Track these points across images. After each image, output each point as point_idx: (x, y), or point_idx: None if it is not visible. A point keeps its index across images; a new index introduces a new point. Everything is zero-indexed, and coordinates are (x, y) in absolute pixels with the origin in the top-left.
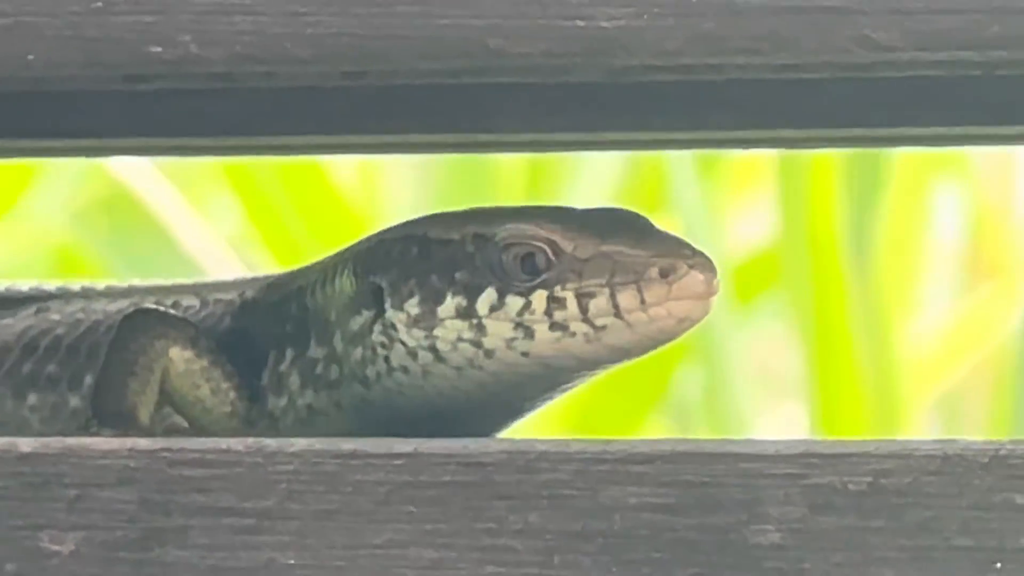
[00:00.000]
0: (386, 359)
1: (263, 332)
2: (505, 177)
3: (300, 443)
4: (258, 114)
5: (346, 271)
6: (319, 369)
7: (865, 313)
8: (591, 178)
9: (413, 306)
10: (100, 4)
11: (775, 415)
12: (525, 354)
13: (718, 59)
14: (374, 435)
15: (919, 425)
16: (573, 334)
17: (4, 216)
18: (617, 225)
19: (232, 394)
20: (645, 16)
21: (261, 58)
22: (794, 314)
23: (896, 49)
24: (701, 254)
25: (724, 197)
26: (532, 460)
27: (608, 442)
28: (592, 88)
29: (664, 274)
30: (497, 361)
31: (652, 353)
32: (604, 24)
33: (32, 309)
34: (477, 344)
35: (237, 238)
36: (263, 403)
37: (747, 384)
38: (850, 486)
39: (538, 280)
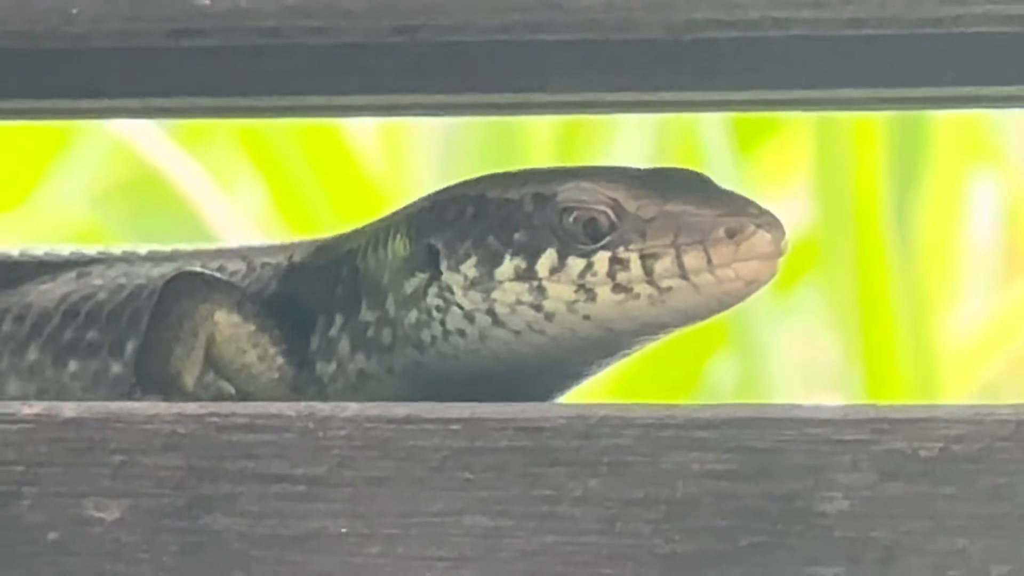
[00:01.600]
0: (442, 322)
1: (312, 296)
2: (533, 144)
3: (353, 407)
4: (306, 73)
5: (399, 233)
6: (371, 333)
7: (907, 301)
8: (621, 156)
9: (470, 268)
10: None
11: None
12: (587, 317)
13: (784, 12)
14: (426, 400)
15: None
16: (637, 296)
17: (26, 198)
18: (681, 184)
19: (279, 359)
20: None
21: (312, 11)
22: (833, 301)
23: (967, 2)
24: (768, 213)
25: (762, 181)
26: (592, 425)
27: (671, 407)
28: (652, 45)
29: (731, 234)
30: (557, 324)
31: (695, 331)
32: None
33: (73, 273)
34: (537, 307)
35: (262, 215)
36: (311, 369)
37: (784, 374)
38: (921, 452)
39: (601, 241)
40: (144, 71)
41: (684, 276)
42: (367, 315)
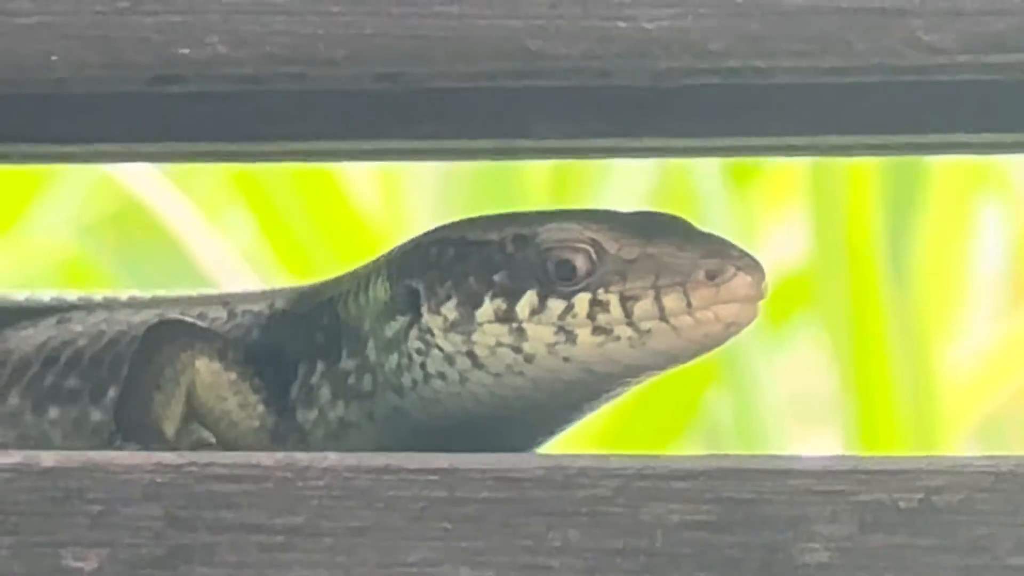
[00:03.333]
0: (422, 365)
1: (293, 344)
2: (528, 188)
3: (332, 458)
4: (287, 119)
5: (380, 277)
6: (351, 380)
7: (903, 335)
8: (617, 193)
9: (450, 310)
10: (126, 3)
11: (808, 441)
12: (567, 359)
13: (765, 62)
14: (407, 449)
15: (959, 452)
16: (617, 338)
17: (8, 229)
18: (661, 227)
19: (260, 408)
20: (689, 17)
21: (292, 59)
22: (828, 336)
23: (948, 52)
24: (748, 256)
25: (755, 215)
26: (572, 476)
27: (650, 458)
28: (634, 92)
29: (711, 276)
30: (538, 367)
31: (690, 367)
32: (647, 25)
33: (53, 320)
34: (517, 349)
35: (251, 251)
36: (292, 417)
37: (779, 409)
38: (900, 503)
39: (581, 283)
40: (125, 116)
41: (664, 318)
42: (347, 363)
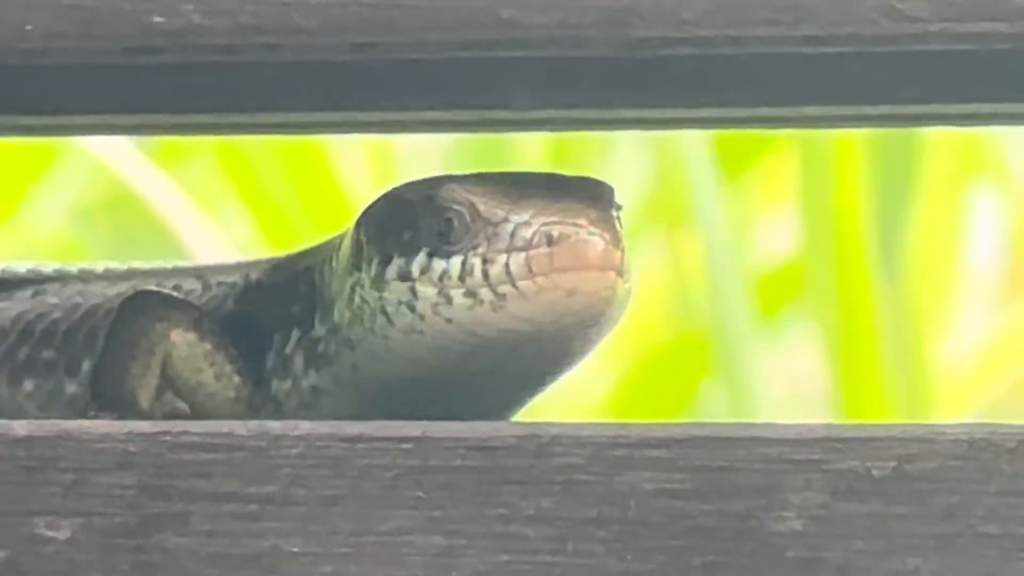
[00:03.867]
0: (361, 320)
1: (269, 315)
2: (524, 162)
3: (305, 426)
4: (261, 90)
5: (348, 235)
6: (320, 347)
7: (896, 327)
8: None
9: (372, 266)
10: None
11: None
12: (449, 320)
13: (738, 30)
14: (378, 419)
15: None
16: (481, 301)
17: (6, 218)
18: (542, 189)
19: (236, 378)
20: None
21: (266, 29)
22: (820, 328)
23: (922, 20)
24: (602, 224)
25: (748, 206)
26: (545, 444)
27: (623, 426)
28: (607, 62)
29: (549, 241)
30: (429, 326)
31: (681, 358)
32: None
33: (29, 292)
34: (411, 308)
35: (242, 237)
36: (267, 388)
37: (772, 401)
38: (873, 471)
39: (456, 245)
40: (99, 87)
41: (513, 283)
42: (319, 329)
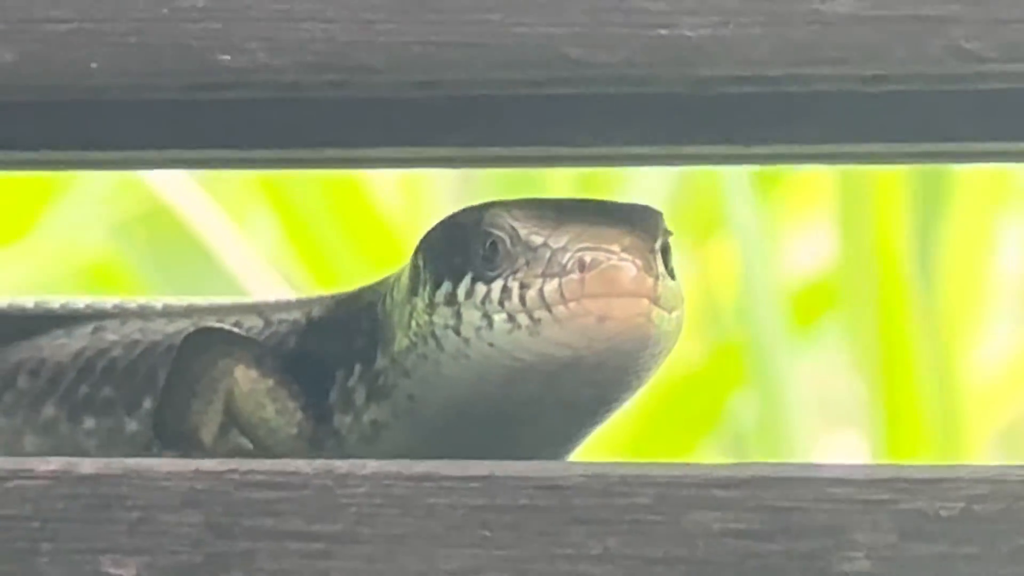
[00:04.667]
0: (415, 345)
1: (331, 350)
2: (552, 192)
3: (371, 465)
4: (325, 127)
5: (408, 263)
6: (381, 380)
7: (929, 340)
8: (641, 197)
9: (427, 290)
10: (166, 10)
11: (833, 445)
12: (491, 345)
13: (805, 69)
14: (439, 454)
15: (982, 457)
16: (519, 326)
17: (33, 230)
18: (587, 215)
19: (299, 414)
20: (730, 25)
21: (332, 67)
22: (854, 339)
23: (989, 60)
24: (636, 249)
25: (782, 218)
26: (612, 484)
27: (691, 466)
28: (674, 100)
29: (581, 267)
30: (474, 351)
31: (714, 371)
32: (688, 33)
33: (88, 328)
34: (456, 331)
35: (275, 254)
36: (329, 422)
37: (804, 412)
38: (942, 512)
39: (498, 268)
40: (162, 124)
41: (547, 308)
42: (381, 362)
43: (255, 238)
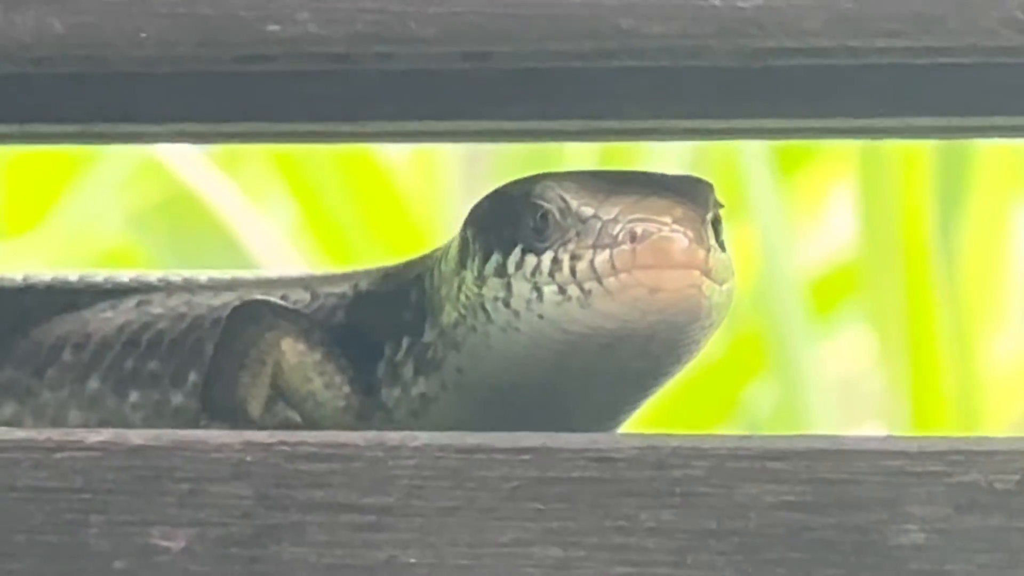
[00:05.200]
0: (464, 318)
1: (379, 323)
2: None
3: (423, 437)
4: (372, 99)
5: (459, 235)
6: (429, 353)
7: (952, 328)
8: None
9: (476, 262)
10: None
11: (854, 431)
12: (541, 317)
13: (858, 41)
14: (487, 427)
15: None
16: (570, 298)
17: (51, 214)
18: (638, 186)
19: (346, 388)
20: None
21: (382, 38)
22: (876, 326)
23: None
24: (688, 220)
25: (802, 202)
26: (665, 456)
27: (744, 438)
28: (725, 72)
29: (632, 237)
30: (524, 323)
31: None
32: (741, 4)
33: (133, 302)
34: (507, 303)
35: (295, 238)
36: (377, 396)
37: (824, 402)
38: (996, 484)
39: (548, 240)
40: (213, 95)
41: (598, 279)
42: (429, 335)
43: (273, 221)
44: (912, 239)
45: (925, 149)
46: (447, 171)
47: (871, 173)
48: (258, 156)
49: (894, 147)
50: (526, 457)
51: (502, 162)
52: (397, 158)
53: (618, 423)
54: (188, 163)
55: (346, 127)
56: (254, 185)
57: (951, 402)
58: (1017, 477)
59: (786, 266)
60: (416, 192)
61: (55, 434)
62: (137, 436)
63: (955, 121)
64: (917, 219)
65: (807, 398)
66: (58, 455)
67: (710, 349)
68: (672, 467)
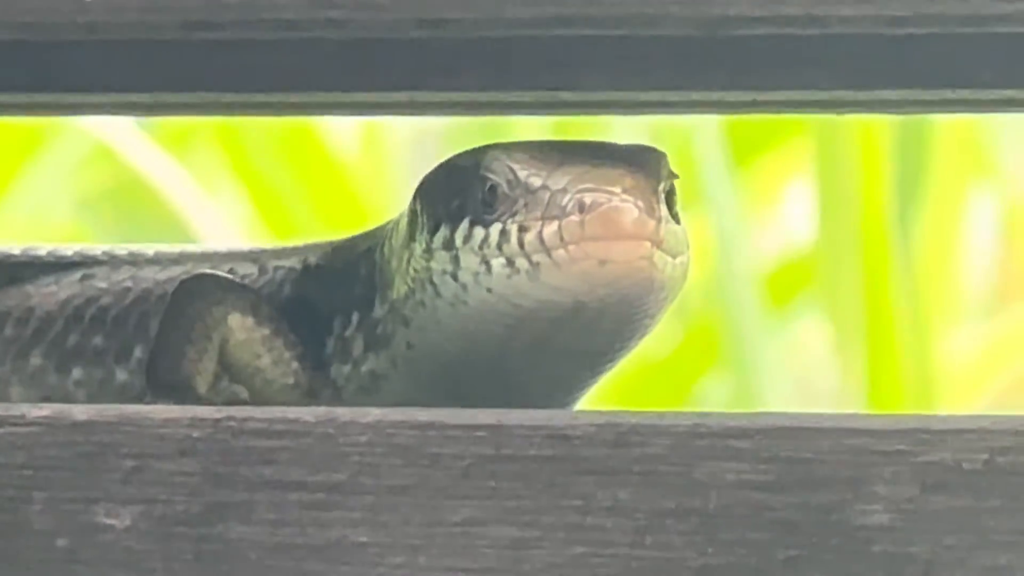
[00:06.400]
0: (412, 292)
1: (329, 298)
2: None
3: (374, 413)
4: (324, 69)
5: (407, 208)
6: (379, 329)
7: (910, 318)
8: None
9: (424, 235)
10: None
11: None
12: (489, 290)
13: (822, 9)
14: (438, 406)
15: None
16: (518, 270)
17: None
18: (587, 156)
19: (295, 364)
20: None
21: (334, 3)
22: (833, 318)
23: (1014, 0)
24: (639, 191)
25: (759, 192)
26: (623, 433)
27: (704, 415)
28: (686, 42)
29: (581, 208)
30: (472, 297)
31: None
32: None
33: (77, 276)
34: (455, 277)
35: (245, 221)
36: (326, 373)
37: (778, 393)
38: (964, 464)
39: (496, 212)
40: (155, 65)
41: (547, 251)
42: (379, 310)
43: (222, 205)
44: (870, 229)
45: (883, 138)
46: (395, 152)
47: (828, 163)
48: (207, 140)
49: (851, 137)
50: (481, 434)
51: (450, 142)
52: (346, 140)
53: (573, 401)
54: (137, 148)
55: (296, 98)
56: (203, 169)
57: (908, 395)
58: (985, 456)
59: (741, 256)
60: (365, 174)
61: None
62: (81, 411)
63: (922, 94)
64: (875, 209)
65: (761, 391)
66: None
67: (664, 341)
68: (630, 445)
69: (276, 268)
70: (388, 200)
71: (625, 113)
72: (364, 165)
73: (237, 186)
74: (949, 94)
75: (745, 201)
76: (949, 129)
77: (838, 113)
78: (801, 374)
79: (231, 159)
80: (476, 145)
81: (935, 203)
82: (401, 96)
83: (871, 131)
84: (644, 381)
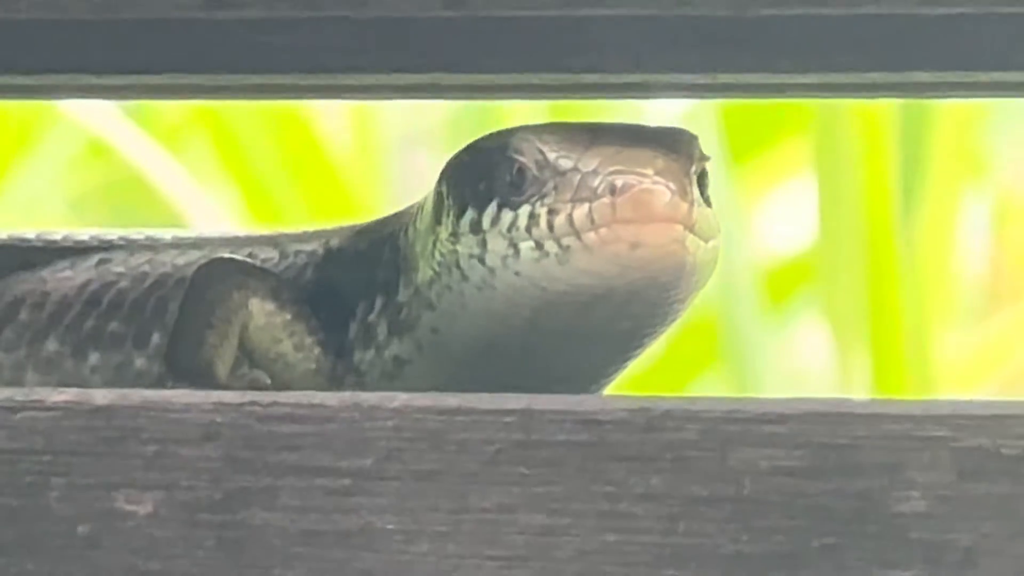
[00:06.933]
0: (439, 276)
1: (352, 282)
2: None
3: (401, 397)
4: (345, 49)
5: (433, 191)
6: (403, 313)
7: (912, 317)
8: None
9: (450, 219)
10: None
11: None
12: (517, 274)
13: None
14: (463, 391)
15: None
16: (547, 254)
17: None
18: (618, 138)
19: (316, 349)
20: None
21: None
22: (833, 317)
23: None
24: (671, 173)
25: (759, 190)
26: (655, 418)
27: (738, 400)
28: (711, 23)
29: (612, 191)
30: (500, 281)
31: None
32: None
33: (93, 260)
34: (482, 260)
35: (240, 216)
36: (349, 358)
37: (777, 393)
38: (1003, 450)
39: (525, 195)
40: (174, 46)
41: (577, 234)
42: (403, 294)
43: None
44: (871, 226)
45: (884, 133)
46: (387, 144)
47: (829, 158)
48: (199, 134)
49: (852, 132)
50: (510, 419)
51: (440, 134)
52: (338, 132)
53: (600, 388)
54: (130, 141)
55: (316, 79)
56: (196, 163)
57: (908, 394)
58: None
59: (741, 253)
60: (357, 166)
61: (16, 393)
62: (101, 396)
63: (954, 76)
64: (876, 205)
65: (760, 389)
66: (19, 415)
67: (661, 339)
68: (663, 430)
69: (297, 252)
70: (380, 191)
71: (652, 97)
72: (356, 157)
73: (230, 180)
74: (982, 76)
75: (744, 197)
76: (949, 124)
77: (870, 97)
78: (800, 373)
79: (224, 153)
80: (468, 139)
81: (935, 199)
82: (424, 78)
83: (872, 126)
84: (641, 378)
